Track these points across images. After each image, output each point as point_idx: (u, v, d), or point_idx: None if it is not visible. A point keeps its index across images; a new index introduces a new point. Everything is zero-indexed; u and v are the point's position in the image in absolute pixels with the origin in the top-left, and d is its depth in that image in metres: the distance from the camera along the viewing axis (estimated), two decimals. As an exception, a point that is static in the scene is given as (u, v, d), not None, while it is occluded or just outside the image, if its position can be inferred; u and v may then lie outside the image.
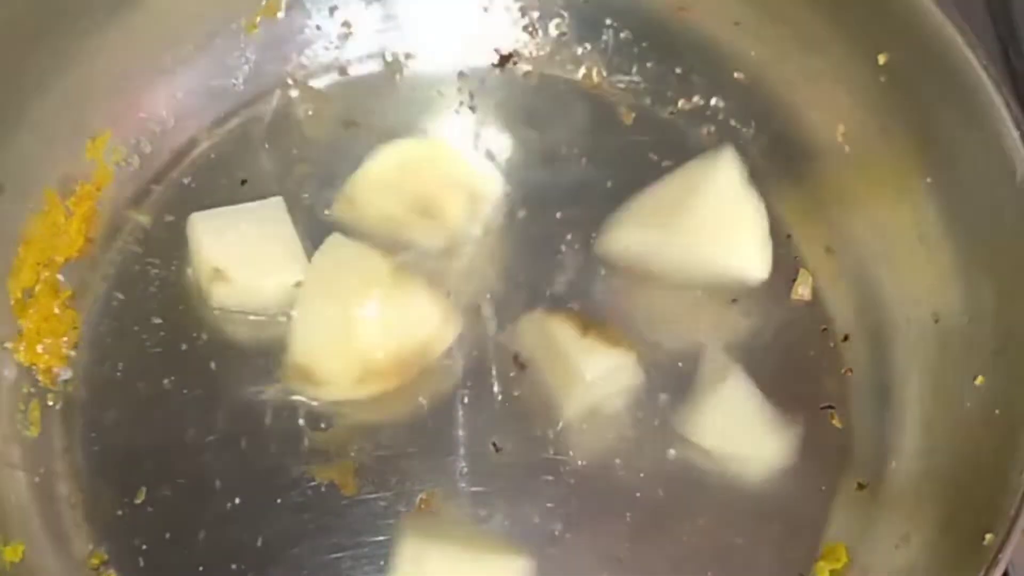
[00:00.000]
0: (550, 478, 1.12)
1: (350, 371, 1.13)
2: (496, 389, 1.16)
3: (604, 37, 1.32)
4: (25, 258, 1.14)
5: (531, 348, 1.16)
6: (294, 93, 1.31)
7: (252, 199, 1.21)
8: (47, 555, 1.07)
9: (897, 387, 1.15)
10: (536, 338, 1.15)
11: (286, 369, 1.14)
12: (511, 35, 1.34)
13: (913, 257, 1.16)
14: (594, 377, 1.12)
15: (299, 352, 1.13)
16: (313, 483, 1.11)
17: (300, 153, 1.27)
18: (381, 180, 1.22)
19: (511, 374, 1.16)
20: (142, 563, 1.09)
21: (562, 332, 1.13)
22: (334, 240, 1.16)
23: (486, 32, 1.34)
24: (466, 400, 1.15)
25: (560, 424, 1.14)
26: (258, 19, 1.28)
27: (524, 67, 1.34)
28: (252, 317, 1.18)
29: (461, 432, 1.14)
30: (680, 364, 1.18)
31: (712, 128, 1.30)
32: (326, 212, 1.22)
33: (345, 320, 1.12)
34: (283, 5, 1.29)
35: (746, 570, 1.10)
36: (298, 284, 1.15)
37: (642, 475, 1.13)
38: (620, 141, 1.29)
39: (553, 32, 1.34)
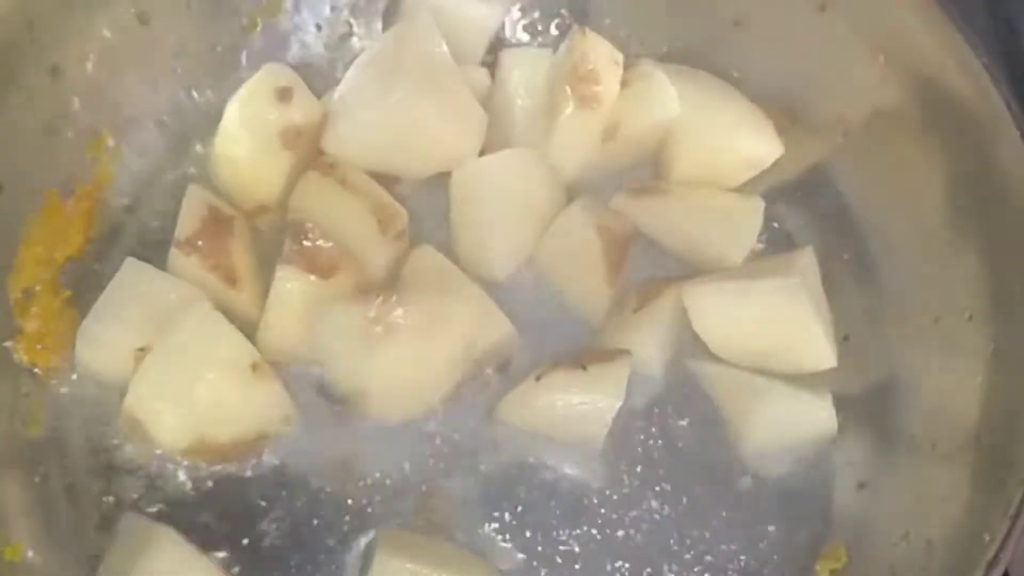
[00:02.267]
0: (552, 479, 1.13)
1: (179, 439, 1.09)
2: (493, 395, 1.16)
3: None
4: (25, 258, 1.14)
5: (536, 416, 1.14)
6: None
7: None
8: (47, 555, 1.07)
9: (897, 387, 1.16)
10: (538, 408, 1.13)
11: (122, 413, 1.11)
12: (511, 35, 1.34)
13: (913, 256, 1.17)
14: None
15: (134, 403, 1.09)
16: (312, 481, 1.12)
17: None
18: (238, 136, 1.21)
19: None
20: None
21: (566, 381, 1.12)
22: (203, 308, 1.10)
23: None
24: (466, 402, 1.16)
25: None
26: (258, 19, 1.28)
27: (524, 67, 1.34)
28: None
29: (462, 432, 1.15)
30: (678, 369, 1.18)
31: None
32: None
33: (190, 390, 1.08)
34: (283, 5, 1.29)
35: (747, 570, 1.10)
36: None
37: (642, 481, 1.14)
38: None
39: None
